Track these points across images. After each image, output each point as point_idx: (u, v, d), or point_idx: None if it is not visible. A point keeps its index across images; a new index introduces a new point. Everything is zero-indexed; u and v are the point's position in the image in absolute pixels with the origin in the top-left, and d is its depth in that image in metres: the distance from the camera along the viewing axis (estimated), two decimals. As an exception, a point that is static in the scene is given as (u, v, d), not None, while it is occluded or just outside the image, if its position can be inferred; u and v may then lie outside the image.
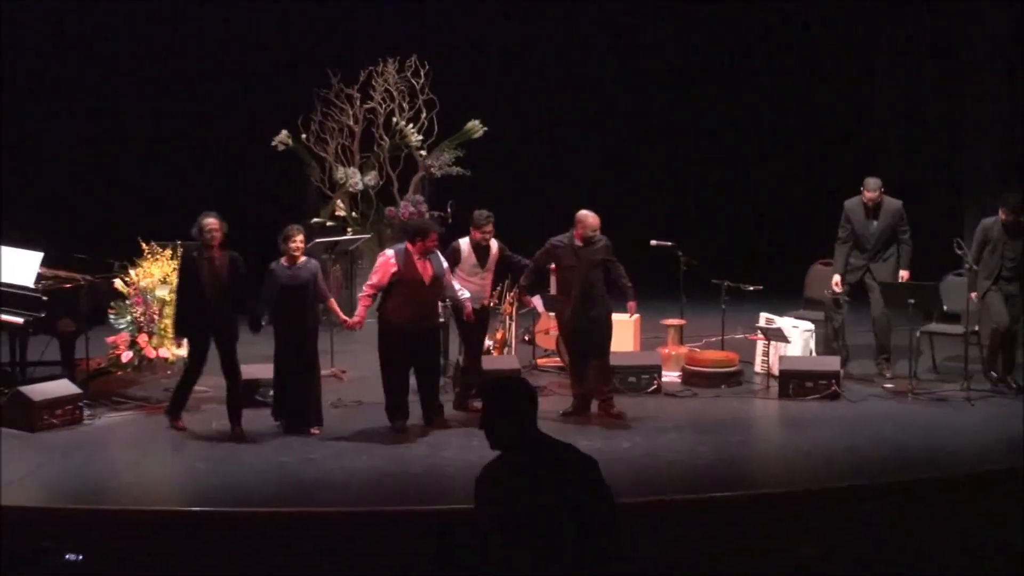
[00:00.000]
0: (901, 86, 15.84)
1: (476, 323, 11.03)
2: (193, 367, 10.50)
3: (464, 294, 10.76)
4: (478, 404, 10.48)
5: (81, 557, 6.75)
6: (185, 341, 10.80)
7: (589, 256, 10.76)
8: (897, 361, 12.22)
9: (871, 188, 12.02)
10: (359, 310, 10.72)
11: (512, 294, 12.11)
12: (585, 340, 10.84)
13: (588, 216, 10.77)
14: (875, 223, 12.04)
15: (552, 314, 11.98)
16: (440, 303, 10.92)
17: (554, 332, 12.35)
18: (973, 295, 11.68)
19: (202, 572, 7.73)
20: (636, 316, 11.59)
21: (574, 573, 4.57)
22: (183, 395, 10.59)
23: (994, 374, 11.67)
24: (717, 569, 5.20)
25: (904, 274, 12.03)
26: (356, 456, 9.94)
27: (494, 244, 11.08)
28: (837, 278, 12.18)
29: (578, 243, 10.74)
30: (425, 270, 10.43)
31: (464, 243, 11.02)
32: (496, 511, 4.63)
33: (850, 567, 5.30)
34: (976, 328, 11.86)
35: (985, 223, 11.64)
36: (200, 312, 10.26)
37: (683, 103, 16.68)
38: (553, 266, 11.27)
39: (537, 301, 11.53)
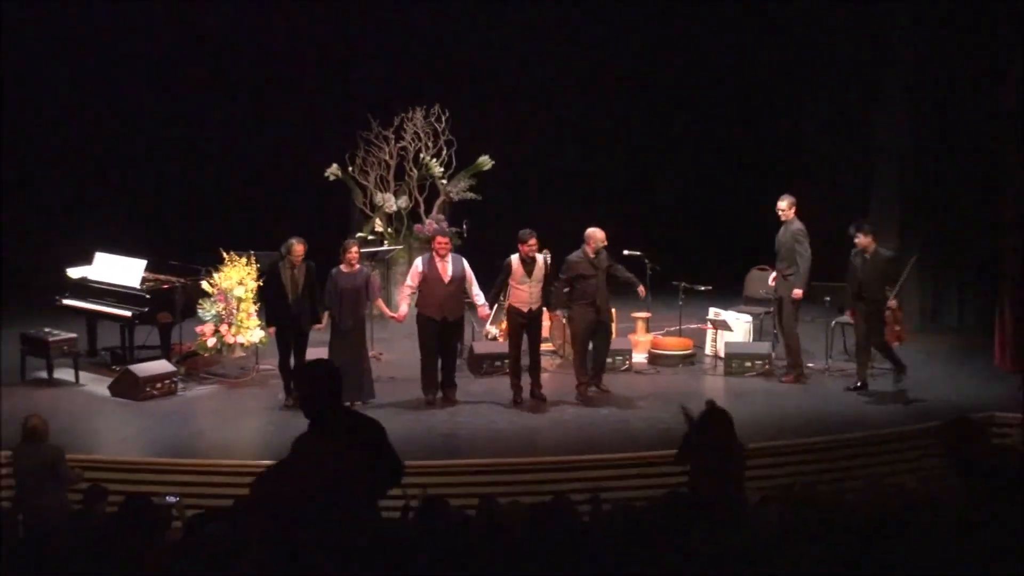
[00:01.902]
0: (823, 118, 15.64)
1: (532, 326, 10.55)
2: (281, 352, 10.44)
3: (481, 299, 10.61)
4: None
5: (178, 498, 6.81)
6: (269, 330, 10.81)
7: (601, 265, 10.65)
8: (814, 346, 12.20)
9: (779, 202, 11.24)
10: (402, 307, 10.75)
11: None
12: (597, 336, 10.78)
13: (596, 232, 10.61)
14: (779, 236, 11.32)
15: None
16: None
17: (546, 323, 12.34)
18: (847, 313, 11.14)
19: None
20: (642, 289, 11.05)
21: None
22: (285, 376, 10.48)
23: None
24: (675, 506, 5.30)
25: (796, 292, 11.06)
26: (391, 419, 9.89)
27: (539, 258, 10.47)
28: (773, 274, 11.69)
29: (591, 255, 10.63)
30: (444, 270, 10.40)
31: (515, 258, 10.42)
32: (299, 467, 4.66)
33: (782, 511, 5.37)
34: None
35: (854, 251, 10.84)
36: (282, 308, 10.31)
37: (650, 139, 16.69)
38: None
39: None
